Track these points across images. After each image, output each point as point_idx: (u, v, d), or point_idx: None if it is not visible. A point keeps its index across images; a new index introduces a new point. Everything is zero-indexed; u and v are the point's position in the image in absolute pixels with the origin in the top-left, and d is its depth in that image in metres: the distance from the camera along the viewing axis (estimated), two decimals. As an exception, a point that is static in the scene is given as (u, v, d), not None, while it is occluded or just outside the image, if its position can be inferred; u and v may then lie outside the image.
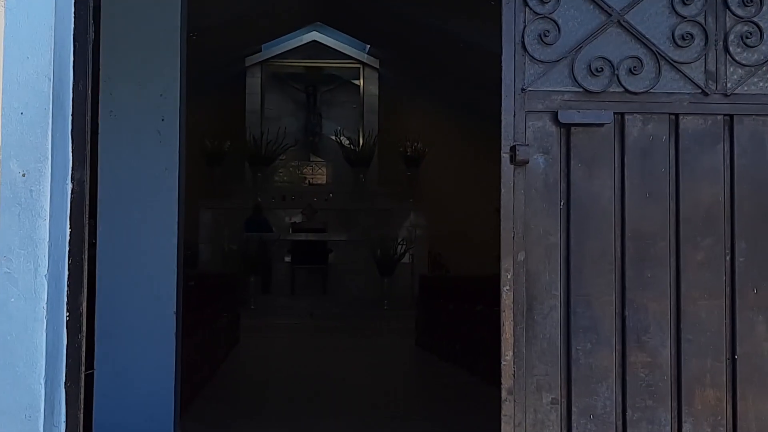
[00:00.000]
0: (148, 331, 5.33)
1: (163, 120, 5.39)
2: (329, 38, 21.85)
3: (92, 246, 8.04)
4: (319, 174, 22.27)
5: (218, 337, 10.72)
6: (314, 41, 21.91)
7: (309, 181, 22.05)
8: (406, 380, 10.05)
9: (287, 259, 19.76)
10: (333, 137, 21.77)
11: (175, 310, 5.35)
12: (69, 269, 2.72)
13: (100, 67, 5.35)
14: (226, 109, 22.12)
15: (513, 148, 3.81)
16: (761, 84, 3.86)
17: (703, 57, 3.86)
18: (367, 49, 22.09)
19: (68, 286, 2.72)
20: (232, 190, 21.12)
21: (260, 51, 21.95)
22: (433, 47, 19.50)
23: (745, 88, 3.85)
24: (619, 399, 3.82)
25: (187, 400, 7.53)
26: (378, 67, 22.22)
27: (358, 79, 22.35)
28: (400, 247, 17.75)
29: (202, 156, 20.62)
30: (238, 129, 21.34)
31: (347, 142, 21.11)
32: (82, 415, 2.86)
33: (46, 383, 2.57)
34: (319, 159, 22.27)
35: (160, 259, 5.27)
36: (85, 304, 2.91)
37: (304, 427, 7.25)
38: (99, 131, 5.34)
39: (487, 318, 9.64)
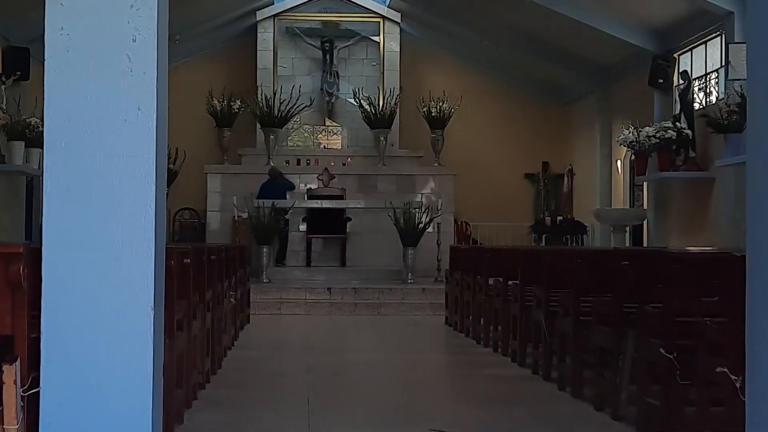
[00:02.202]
0: (116, 332, 3.84)
1: (134, 40, 3.87)
2: (347, -11, 20.36)
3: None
4: (335, 137, 20.78)
5: (225, 320, 9.26)
6: (331, -7, 20.43)
7: (325, 145, 20.56)
8: (438, 374, 8.52)
9: (302, 228, 18.32)
10: (351, 97, 20.26)
11: (152, 304, 3.86)
12: None
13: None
14: (235, 67, 20.64)
15: None
16: None
17: None
18: (388, 2, 20.53)
19: None
20: (243, 155, 19.66)
21: (272, 3, 20.40)
22: (462, -3, 17.96)
23: None
24: None
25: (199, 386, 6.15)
26: (399, 21, 20.69)
27: (378, 34, 20.82)
28: (424, 215, 16.22)
29: (210, 118, 19.13)
30: (249, 88, 19.84)
31: (366, 102, 19.57)
32: None
33: None
34: (335, 122, 20.76)
35: (130, 237, 3.79)
36: None
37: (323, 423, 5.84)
38: (45, 57, 3.85)
39: (539, 300, 8.15)
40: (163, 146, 4.06)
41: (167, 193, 16.79)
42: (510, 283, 9.34)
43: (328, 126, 20.75)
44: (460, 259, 12.19)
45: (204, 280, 7.28)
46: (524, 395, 7.23)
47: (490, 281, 10.32)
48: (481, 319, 10.69)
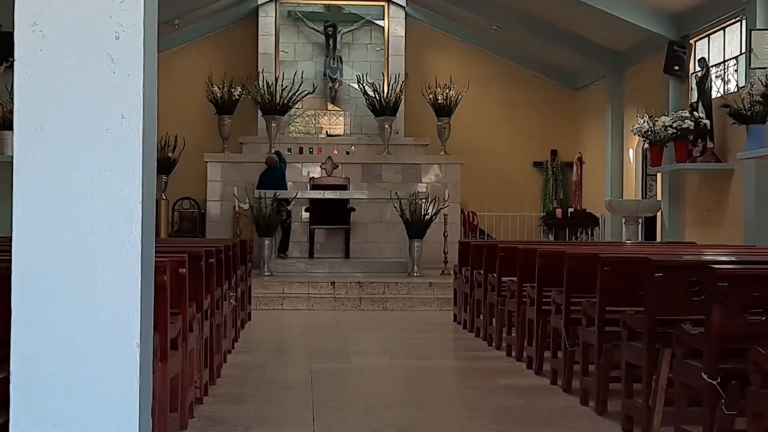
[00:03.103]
0: (97, 371, 3.35)
1: (117, 38, 3.36)
2: (351, -28, 19.80)
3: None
4: (337, 124, 20.24)
5: (225, 325, 8.77)
6: (334, -25, 19.88)
7: (327, 132, 20.03)
8: (449, 384, 8.03)
9: (305, 218, 17.83)
10: (355, 83, 19.72)
11: (138, 340, 3.36)
12: None
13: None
14: (236, 52, 20.09)
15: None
16: None
17: None
18: (393, -15, 19.97)
19: None
20: (244, 143, 19.14)
21: (274, -13, 19.86)
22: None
23: None
24: None
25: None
26: (404, 4, 20.13)
27: (383, 18, 20.26)
28: (431, 206, 15.72)
29: (210, 105, 18.60)
30: (250, 74, 19.31)
31: (371, 88, 19.03)
32: None
33: None
34: (338, 108, 20.23)
35: (113, 265, 3.29)
36: None
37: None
38: (15, 57, 3.34)
39: (559, 305, 7.65)
40: (151, 158, 3.54)
41: (166, 183, 16.31)
42: (526, 285, 8.84)
43: (330, 110, 20.22)
44: (469, 255, 11.67)
45: (202, 289, 6.79)
46: (543, 411, 6.74)
47: (503, 280, 9.83)
48: (493, 320, 10.21)
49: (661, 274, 5.65)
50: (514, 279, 9.27)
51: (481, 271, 10.87)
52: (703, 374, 4.89)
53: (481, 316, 10.88)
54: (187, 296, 5.95)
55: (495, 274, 10.12)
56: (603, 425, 6.26)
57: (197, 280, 6.69)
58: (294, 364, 8.81)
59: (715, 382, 4.84)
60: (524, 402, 7.02)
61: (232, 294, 9.41)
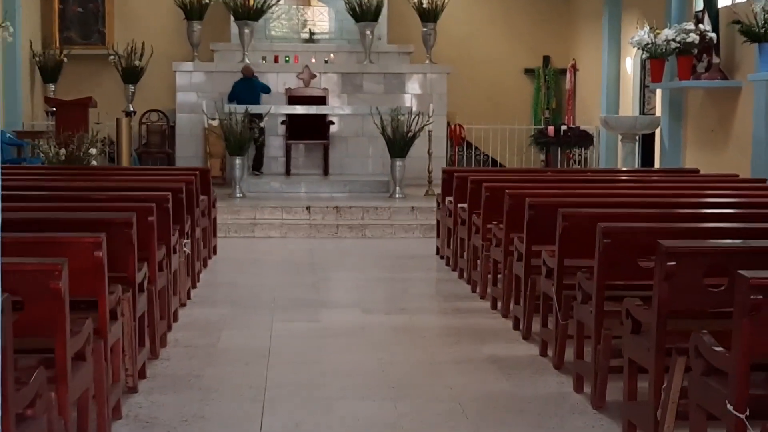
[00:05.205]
0: None
1: None
2: None
3: None
4: (322, 21, 18.85)
5: (175, 282, 7.82)
6: None
7: (311, 30, 18.54)
8: (429, 357, 7.11)
9: (282, 131, 16.77)
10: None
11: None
12: None
13: None
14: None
15: None
16: None
17: None
18: None
19: None
20: (216, 50, 17.91)
21: None
22: None
23: None
24: None
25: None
26: None
27: None
28: (415, 120, 14.63)
29: (178, 10, 17.30)
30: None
31: (351, -10, 17.72)
32: None
33: None
34: (322, 4, 18.83)
35: None
36: None
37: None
38: None
39: (550, 269, 6.70)
40: None
41: (133, 93, 15.13)
42: (513, 236, 7.86)
43: (314, 6, 18.87)
44: (452, 186, 10.63)
45: (133, 261, 5.79)
46: (532, 402, 5.83)
47: (489, 224, 8.84)
48: (478, 264, 9.26)
49: (674, 263, 4.68)
50: (501, 225, 8.29)
51: (465, 207, 9.88)
52: (728, 404, 3.96)
53: (465, 257, 9.95)
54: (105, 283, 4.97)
55: (480, 215, 9.12)
56: (601, 427, 5.36)
57: (125, 252, 5.70)
58: (254, 323, 7.88)
59: (743, 416, 3.91)
60: (510, 387, 6.10)
61: (186, 242, 8.43)
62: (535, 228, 7.25)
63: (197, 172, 10.15)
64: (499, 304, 8.31)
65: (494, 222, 8.62)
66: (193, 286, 9.15)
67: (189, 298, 8.69)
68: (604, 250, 5.58)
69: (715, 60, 12.48)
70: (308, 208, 13.62)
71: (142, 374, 6.10)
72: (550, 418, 5.53)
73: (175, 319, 7.76)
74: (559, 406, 5.73)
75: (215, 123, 14.80)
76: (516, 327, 7.67)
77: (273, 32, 18.63)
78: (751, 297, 3.83)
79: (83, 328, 4.42)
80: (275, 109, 15.74)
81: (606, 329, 5.55)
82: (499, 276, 8.50)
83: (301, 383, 6.11)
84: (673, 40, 12.44)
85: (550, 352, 6.76)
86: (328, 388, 6.00)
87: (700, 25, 12.50)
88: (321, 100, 16.77)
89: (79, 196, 7.58)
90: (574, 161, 17.72)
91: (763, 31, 10.56)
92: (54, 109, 14.52)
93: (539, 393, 5.99)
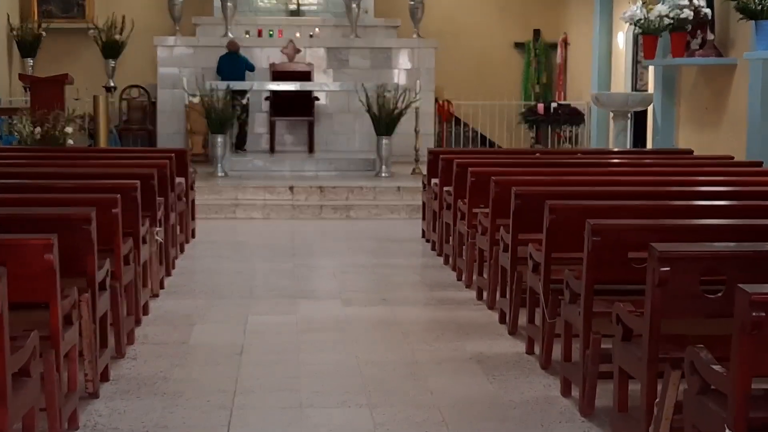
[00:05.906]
0: None
1: None
2: None
3: None
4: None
5: (144, 272, 7.48)
6: None
7: (297, 2, 18.06)
8: (405, 350, 6.80)
9: (266, 108, 16.39)
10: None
11: None
12: None
13: None
14: None
15: None
16: None
17: None
18: None
19: None
20: (198, 24, 17.46)
21: None
22: None
23: None
24: None
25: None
26: None
27: None
28: (401, 96, 14.25)
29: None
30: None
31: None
32: None
33: None
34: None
35: None
36: None
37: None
38: None
39: (537, 264, 6.36)
40: None
41: (113, 68, 14.74)
42: (500, 224, 7.51)
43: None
44: (438, 168, 10.28)
45: (92, 259, 5.44)
46: (517, 407, 5.51)
47: (475, 210, 8.50)
48: (463, 252, 8.92)
49: (668, 269, 4.34)
50: (487, 211, 7.95)
51: (450, 190, 9.53)
52: (726, 428, 3.64)
53: (450, 242, 9.62)
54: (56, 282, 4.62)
55: (465, 201, 8.78)
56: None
57: (83, 249, 5.35)
58: (228, 317, 7.53)
59: (743, 442, 3.59)
60: (494, 390, 5.78)
61: (158, 230, 8.07)
62: (522, 217, 6.92)
63: (173, 154, 9.77)
64: (485, 295, 7.99)
65: (481, 206, 8.27)
66: (168, 274, 8.81)
67: (162, 287, 8.35)
68: (594, 248, 5.24)
69: (710, 37, 12.11)
70: (291, 188, 13.26)
71: (105, 376, 5.77)
72: (535, 427, 5.21)
73: (146, 312, 7.42)
74: (546, 412, 5.41)
75: (196, 100, 14.39)
76: (502, 320, 7.35)
77: (259, 3, 18.13)
78: (753, 314, 3.50)
79: (27, 342, 4.07)
80: (259, 86, 15.37)
81: (595, 333, 5.22)
82: (485, 264, 8.17)
83: (273, 387, 5.78)
84: (667, 15, 12.05)
85: (536, 350, 6.44)
86: (301, 393, 5.67)
87: (695, 1, 12.11)
88: (306, 76, 16.38)
89: (41, 185, 7.19)
90: (565, 139, 17.35)
91: (759, 7, 10.18)
92: (29, 86, 14.08)
93: (524, 397, 5.66)
